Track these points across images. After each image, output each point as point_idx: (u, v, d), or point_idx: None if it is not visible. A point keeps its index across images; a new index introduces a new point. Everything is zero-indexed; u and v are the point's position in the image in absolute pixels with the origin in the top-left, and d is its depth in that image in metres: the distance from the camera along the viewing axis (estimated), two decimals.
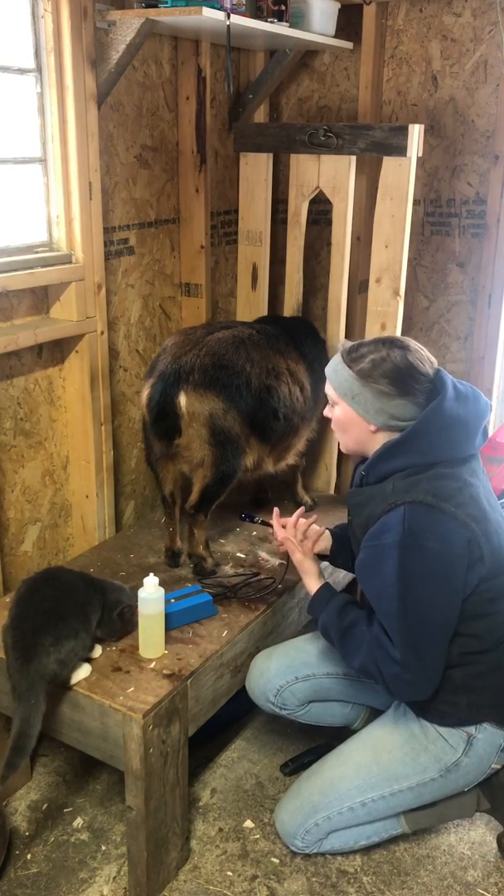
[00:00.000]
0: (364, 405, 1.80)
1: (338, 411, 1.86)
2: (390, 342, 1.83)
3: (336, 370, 1.84)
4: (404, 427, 1.80)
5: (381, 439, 1.82)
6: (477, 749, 1.86)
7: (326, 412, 1.93)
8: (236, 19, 2.19)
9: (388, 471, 1.79)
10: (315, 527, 2.11)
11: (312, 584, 1.97)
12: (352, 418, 1.83)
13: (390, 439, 1.80)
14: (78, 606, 1.84)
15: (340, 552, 2.12)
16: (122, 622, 1.91)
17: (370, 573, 1.78)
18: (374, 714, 2.11)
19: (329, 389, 1.87)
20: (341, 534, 2.12)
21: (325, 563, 2.28)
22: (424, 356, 1.83)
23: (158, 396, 2.13)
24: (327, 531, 2.14)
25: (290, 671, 2.04)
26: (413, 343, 1.85)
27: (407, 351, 1.80)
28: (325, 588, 1.94)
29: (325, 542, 2.13)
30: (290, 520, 2.09)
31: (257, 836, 2.05)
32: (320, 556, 2.13)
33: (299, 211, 2.71)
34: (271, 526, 2.12)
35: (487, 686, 1.83)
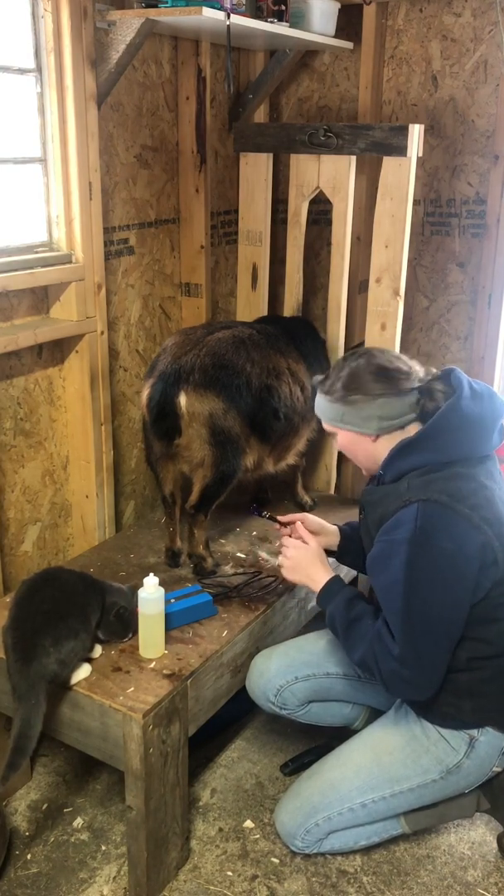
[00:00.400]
0: (353, 421, 1.84)
1: (340, 439, 1.92)
2: (350, 355, 1.90)
3: (319, 405, 1.93)
4: (402, 425, 1.82)
5: (387, 444, 1.84)
6: (479, 751, 1.86)
7: (336, 446, 1.98)
8: (236, 19, 2.19)
9: (404, 469, 1.80)
10: (312, 518, 2.11)
11: (322, 574, 1.93)
12: (351, 438, 1.88)
13: (405, 438, 1.81)
14: (77, 607, 1.84)
15: (349, 550, 2.12)
16: (119, 623, 1.91)
17: (380, 568, 1.78)
18: (375, 714, 2.11)
19: (324, 424, 1.94)
20: (351, 532, 2.12)
21: (332, 560, 2.28)
22: (392, 355, 1.88)
23: (158, 396, 2.13)
24: (336, 527, 2.14)
25: (291, 671, 2.04)
26: (376, 349, 1.92)
27: (369, 356, 1.86)
28: (336, 580, 1.92)
29: (334, 538, 2.12)
30: (296, 516, 2.11)
31: (257, 836, 2.05)
32: (328, 552, 2.13)
33: (299, 211, 2.71)
34: (278, 522, 2.11)
35: (493, 692, 1.83)
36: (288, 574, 1.98)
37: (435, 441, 1.77)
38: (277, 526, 2.12)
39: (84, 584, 1.91)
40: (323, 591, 1.91)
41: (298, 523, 2.05)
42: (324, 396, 1.88)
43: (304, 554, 1.96)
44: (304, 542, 1.98)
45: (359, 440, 1.87)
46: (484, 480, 1.76)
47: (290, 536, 2.03)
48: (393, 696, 1.84)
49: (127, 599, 1.93)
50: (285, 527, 2.09)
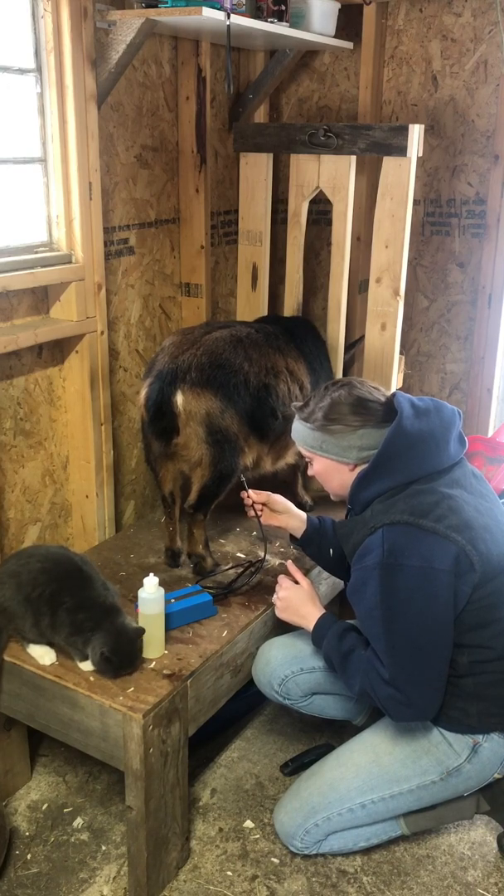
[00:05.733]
0: (332, 449, 1.88)
1: (316, 465, 1.95)
2: (333, 385, 1.92)
3: (298, 430, 1.94)
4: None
5: None
6: (481, 757, 1.86)
7: (309, 472, 2.01)
8: (236, 19, 2.19)
9: (368, 498, 1.84)
10: (279, 498, 2.16)
11: (313, 613, 1.97)
12: (328, 466, 1.91)
13: (362, 469, 1.85)
14: (37, 604, 1.84)
15: (312, 540, 2.15)
16: (106, 665, 1.80)
17: (358, 597, 1.81)
18: (377, 711, 2.10)
19: (301, 450, 1.97)
20: (320, 524, 2.15)
21: (317, 570, 2.28)
22: (371, 386, 1.92)
23: (156, 396, 2.13)
24: (305, 515, 2.17)
25: (296, 662, 2.05)
26: (355, 378, 1.96)
27: (350, 387, 1.89)
28: (326, 617, 1.95)
29: (299, 523, 2.16)
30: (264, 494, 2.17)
31: (257, 836, 2.05)
32: (292, 539, 2.19)
33: (299, 211, 2.71)
34: (246, 490, 2.15)
35: (499, 695, 1.83)
36: (280, 613, 2.03)
37: (388, 465, 1.80)
38: (246, 495, 2.16)
39: (75, 609, 1.82)
40: (315, 630, 1.94)
41: (290, 562, 2.09)
42: (303, 423, 1.91)
43: (296, 594, 2.00)
44: (297, 582, 2.02)
45: (336, 468, 1.90)
46: (446, 490, 1.78)
47: (284, 575, 2.07)
48: (396, 721, 1.84)
49: (101, 642, 1.79)
50: (248, 496, 2.14)
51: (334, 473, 1.92)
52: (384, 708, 1.78)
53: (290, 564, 2.07)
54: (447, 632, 1.74)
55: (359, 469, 1.87)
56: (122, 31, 2.16)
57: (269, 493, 2.18)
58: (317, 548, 2.16)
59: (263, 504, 2.17)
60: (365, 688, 1.79)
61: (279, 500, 2.17)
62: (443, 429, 1.84)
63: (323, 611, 1.97)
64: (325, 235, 3.01)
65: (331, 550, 2.11)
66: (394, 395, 1.90)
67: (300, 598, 1.99)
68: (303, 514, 2.17)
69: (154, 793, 1.78)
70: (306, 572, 2.29)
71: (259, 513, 2.16)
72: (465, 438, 1.91)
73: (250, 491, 2.16)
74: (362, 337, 2.76)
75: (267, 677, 2.06)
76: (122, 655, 1.79)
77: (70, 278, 2.24)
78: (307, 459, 1.99)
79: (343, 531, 1.94)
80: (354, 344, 2.90)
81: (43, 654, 1.87)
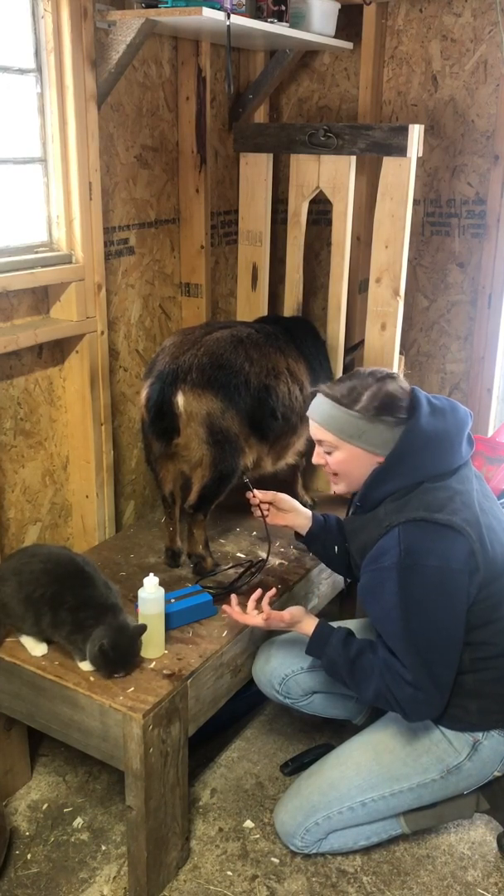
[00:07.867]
0: (372, 440, 1.80)
1: (339, 455, 1.85)
2: (373, 373, 1.85)
3: (333, 416, 1.82)
4: None
5: None
6: (482, 755, 1.86)
7: (317, 460, 1.91)
8: (236, 19, 2.19)
9: (380, 497, 1.82)
10: (285, 497, 2.13)
11: (307, 620, 1.89)
12: (357, 457, 1.83)
13: (377, 466, 1.82)
14: (36, 602, 1.85)
15: (318, 538, 2.13)
16: (101, 658, 1.79)
17: (373, 598, 1.79)
18: (377, 711, 2.10)
19: (325, 436, 1.85)
20: (326, 522, 2.13)
21: (317, 569, 2.28)
22: (406, 383, 1.88)
23: (156, 396, 2.13)
24: (311, 512, 2.16)
25: (297, 661, 2.04)
26: (396, 373, 1.91)
27: (398, 380, 1.85)
28: (323, 625, 1.88)
29: (305, 520, 2.13)
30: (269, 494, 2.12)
31: (257, 836, 2.05)
32: (297, 536, 2.16)
33: (299, 211, 2.71)
34: (252, 491, 2.10)
35: (499, 692, 1.83)
36: (271, 626, 1.90)
37: (403, 465, 1.78)
38: (251, 495, 2.10)
39: (77, 607, 1.82)
40: (314, 639, 1.86)
41: (269, 594, 1.92)
42: (344, 408, 1.80)
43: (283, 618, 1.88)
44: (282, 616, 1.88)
45: (366, 459, 1.83)
46: (457, 486, 1.78)
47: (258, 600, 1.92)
48: (411, 720, 1.81)
49: (111, 634, 1.78)
50: (253, 495, 2.09)
51: (360, 465, 1.83)
52: (402, 709, 1.75)
53: (266, 596, 1.91)
54: (462, 630, 1.74)
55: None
56: (122, 32, 2.16)
57: (275, 492, 2.15)
58: (321, 545, 2.15)
59: (270, 503, 2.14)
60: (381, 691, 1.75)
61: (285, 498, 2.14)
62: (457, 428, 1.83)
63: (316, 620, 1.91)
64: (325, 235, 3.01)
65: (335, 547, 2.10)
66: (412, 390, 1.86)
67: (286, 622, 1.88)
68: (308, 512, 2.15)
69: (154, 793, 1.78)
70: (306, 572, 2.29)
71: (266, 512, 2.15)
72: (473, 439, 1.90)
73: (256, 491, 2.14)
74: (361, 342, 2.76)
75: (267, 676, 2.06)
76: (121, 651, 1.79)
77: (70, 278, 2.24)
78: (327, 449, 1.87)
79: (352, 527, 1.91)
80: (353, 349, 2.90)
81: (34, 646, 1.89)
